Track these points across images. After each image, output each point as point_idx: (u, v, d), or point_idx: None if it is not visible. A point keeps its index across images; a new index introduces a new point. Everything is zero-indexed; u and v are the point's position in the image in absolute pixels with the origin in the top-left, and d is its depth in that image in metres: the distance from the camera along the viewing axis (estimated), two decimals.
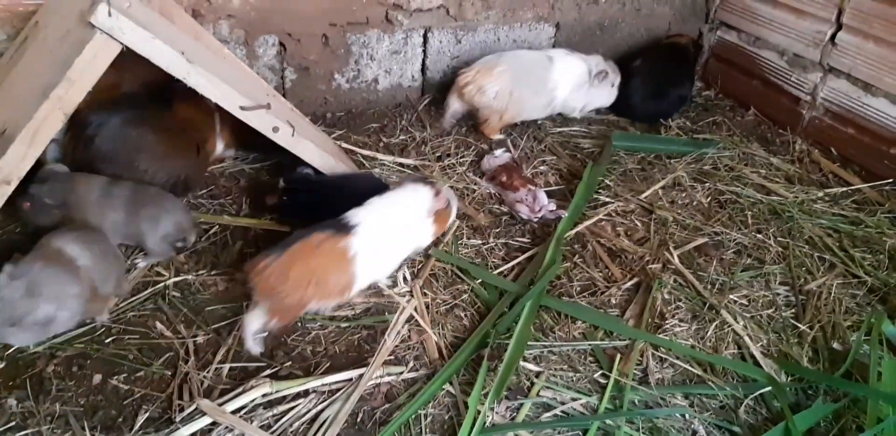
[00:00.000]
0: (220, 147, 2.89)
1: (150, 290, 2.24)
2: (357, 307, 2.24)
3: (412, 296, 2.28)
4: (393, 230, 2.19)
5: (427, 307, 2.25)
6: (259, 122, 2.40)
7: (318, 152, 2.56)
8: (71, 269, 1.96)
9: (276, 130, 2.43)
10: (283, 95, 3.22)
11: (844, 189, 3.03)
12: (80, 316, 2.00)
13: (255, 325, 1.99)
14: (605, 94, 3.49)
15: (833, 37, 3.32)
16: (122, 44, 2.08)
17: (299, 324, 2.17)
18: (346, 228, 2.07)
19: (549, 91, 3.31)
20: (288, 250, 1.97)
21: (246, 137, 2.71)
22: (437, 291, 2.34)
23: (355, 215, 2.12)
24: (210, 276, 2.32)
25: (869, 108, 3.20)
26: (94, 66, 2.10)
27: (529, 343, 2.13)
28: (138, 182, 2.41)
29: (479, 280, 2.40)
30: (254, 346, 2.01)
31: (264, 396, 1.88)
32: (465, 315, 2.26)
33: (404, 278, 2.36)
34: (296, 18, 3.10)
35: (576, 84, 3.36)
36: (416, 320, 2.19)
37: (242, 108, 2.35)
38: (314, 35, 3.19)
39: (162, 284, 2.26)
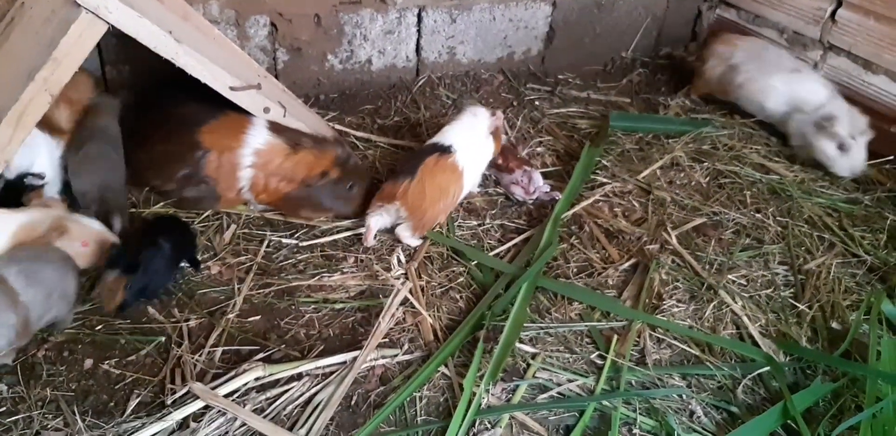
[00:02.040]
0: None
1: None
2: (351, 290, 2.22)
3: (407, 278, 2.26)
4: (475, 146, 2.57)
5: (422, 290, 2.23)
6: (250, 102, 2.37)
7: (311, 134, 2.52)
8: (10, 300, 1.77)
9: (266, 110, 2.40)
10: (276, 77, 3.17)
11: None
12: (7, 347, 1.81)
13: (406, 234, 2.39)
14: None
15: (833, 14, 3.28)
16: (108, 23, 2.04)
17: (292, 307, 2.15)
18: (446, 149, 2.45)
19: None
20: (417, 173, 2.34)
21: None
22: (433, 274, 2.31)
23: (444, 139, 2.51)
24: (202, 259, 2.29)
25: (869, 85, 3.16)
26: (80, 46, 2.06)
27: (525, 325, 2.11)
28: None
29: (475, 262, 2.37)
30: (417, 241, 2.42)
31: (257, 379, 1.86)
32: (461, 297, 2.24)
33: (399, 261, 2.33)
34: None
35: None
36: (411, 303, 2.17)
37: (233, 88, 2.31)
38: (306, 15, 3.14)
39: None
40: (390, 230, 2.43)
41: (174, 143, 2.41)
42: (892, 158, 3.04)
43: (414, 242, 2.42)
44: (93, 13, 2.00)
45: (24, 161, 2.26)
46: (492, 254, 2.43)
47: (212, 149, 2.37)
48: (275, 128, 2.43)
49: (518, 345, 2.05)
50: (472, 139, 2.56)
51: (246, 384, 1.84)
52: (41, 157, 2.32)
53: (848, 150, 2.88)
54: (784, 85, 3.09)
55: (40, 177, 2.28)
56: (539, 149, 3.08)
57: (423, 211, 2.35)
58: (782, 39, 3.54)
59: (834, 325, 2.20)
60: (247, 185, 2.42)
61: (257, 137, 2.38)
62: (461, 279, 2.30)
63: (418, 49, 3.51)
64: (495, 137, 2.67)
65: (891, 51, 3.07)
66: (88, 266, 2.09)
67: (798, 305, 2.27)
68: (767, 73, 3.15)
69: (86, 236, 2.06)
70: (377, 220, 2.37)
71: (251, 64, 2.79)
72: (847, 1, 3.20)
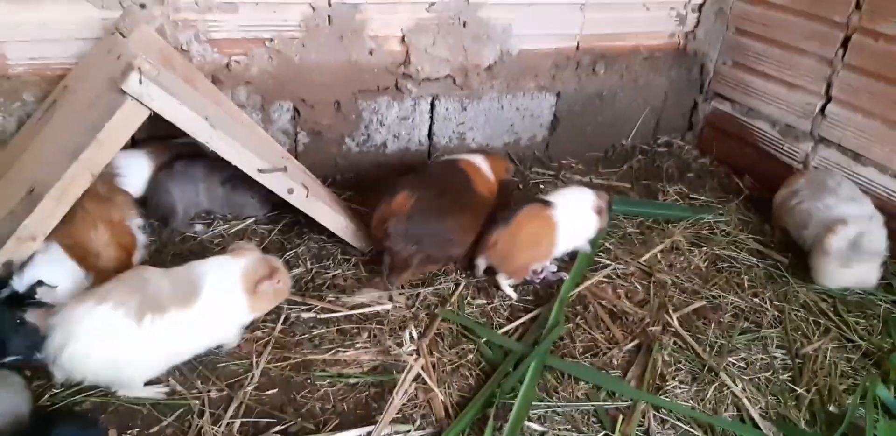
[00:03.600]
0: None
1: None
2: (365, 365, 2.30)
3: (419, 354, 2.34)
4: (576, 211, 2.77)
5: (433, 366, 2.30)
6: (275, 184, 2.52)
7: (331, 213, 2.66)
8: None
9: (291, 191, 2.54)
10: (296, 158, 3.36)
11: None
12: None
13: (503, 282, 2.68)
14: None
15: (823, 108, 3.48)
16: (150, 109, 2.21)
17: (308, 381, 2.21)
18: (546, 203, 2.70)
19: None
20: (512, 221, 2.58)
21: None
22: (443, 351, 2.39)
23: (548, 197, 2.77)
24: None
25: (859, 176, 3.33)
26: (123, 130, 2.23)
27: (533, 403, 2.17)
28: None
29: (484, 339, 2.46)
30: (512, 293, 2.71)
31: None
32: (471, 374, 2.31)
33: (411, 337, 2.42)
34: (310, 86, 3.27)
35: None
36: (423, 379, 2.24)
37: (260, 170, 2.47)
38: (327, 101, 3.35)
39: None
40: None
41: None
42: None
43: (508, 290, 2.70)
44: (137, 100, 2.17)
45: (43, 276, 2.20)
46: (500, 332, 2.52)
47: None
48: None
49: (527, 423, 2.10)
50: (574, 203, 2.78)
51: None
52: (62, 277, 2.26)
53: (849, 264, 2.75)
54: (828, 209, 2.90)
55: (51, 287, 2.19)
56: None
57: (512, 260, 2.61)
58: (775, 131, 3.75)
59: (832, 408, 2.26)
60: None
61: None
62: (471, 356, 2.38)
63: (430, 134, 3.71)
64: (600, 215, 2.84)
65: (878, 145, 3.25)
66: (280, 301, 2.35)
67: (796, 388, 2.34)
68: (818, 197, 2.98)
69: (281, 275, 2.26)
70: (481, 262, 2.68)
71: (275, 147, 2.98)
72: (836, 97, 3.42)
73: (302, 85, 3.26)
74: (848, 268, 2.75)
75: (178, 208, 2.89)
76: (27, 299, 2.14)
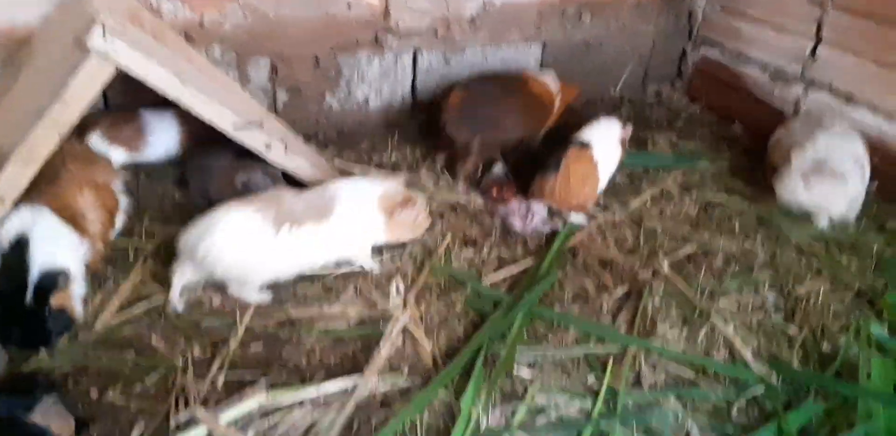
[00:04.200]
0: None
1: (143, 305, 2.25)
2: (351, 319, 2.27)
3: (406, 307, 2.31)
4: (608, 147, 2.85)
5: (421, 318, 2.27)
6: (252, 139, 2.45)
7: (311, 168, 2.61)
8: None
9: (268, 147, 2.48)
10: (276, 116, 3.28)
11: None
12: None
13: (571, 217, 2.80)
14: None
15: (813, 51, 3.40)
16: (115, 65, 2.13)
17: (294, 336, 2.18)
18: (585, 144, 2.79)
19: None
20: (561, 167, 2.71)
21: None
22: (432, 302, 2.36)
23: (583, 136, 2.84)
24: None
25: (851, 118, 3.26)
26: (88, 88, 2.15)
27: (523, 351, 2.15)
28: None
29: (473, 290, 2.42)
30: (582, 219, 2.82)
31: (260, 406, 1.88)
32: (459, 325, 2.28)
33: (397, 290, 2.38)
34: (287, 42, 3.17)
35: None
36: (410, 331, 2.21)
37: (236, 126, 2.40)
38: (305, 57, 3.26)
39: (155, 300, 2.28)
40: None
41: None
42: (875, 186, 3.12)
43: (579, 219, 2.81)
44: (102, 56, 2.10)
45: (46, 258, 2.07)
46: (489, 283, 2.48)
47: None
48: None
49: (516, 370, 2.08)
50: (605, 140, 2.87)
51: (249, 411, 1.87)
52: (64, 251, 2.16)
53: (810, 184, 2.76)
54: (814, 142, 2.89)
55: (66, 274, 2.08)
56: None
57: (570, 201, 2.76)
58: (765, 76, 3.67)
59: (824, 347, 2.24)
60: None
61: None
62: (459, 307, 2.35)
63: (413, 88, 3.63)
64: (623, 146, 2.95)
65: (869, 85, 3.18)
66: (417, 236, 2.56)
67: (789, 328, 2.32)
68: (809, 133, 2.96)
69: (420, 210, 2.48)
70: (539, 207, 2.79)
71: (252, 103, 2.90)
72: (826, 38, 3.34)
73: (278, 41, 3.16)
74: (808, 185, 2.76)
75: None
76: (50, 291, 2.03)
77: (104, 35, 2.07)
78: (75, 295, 2.13)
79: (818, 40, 3.37)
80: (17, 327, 1.99)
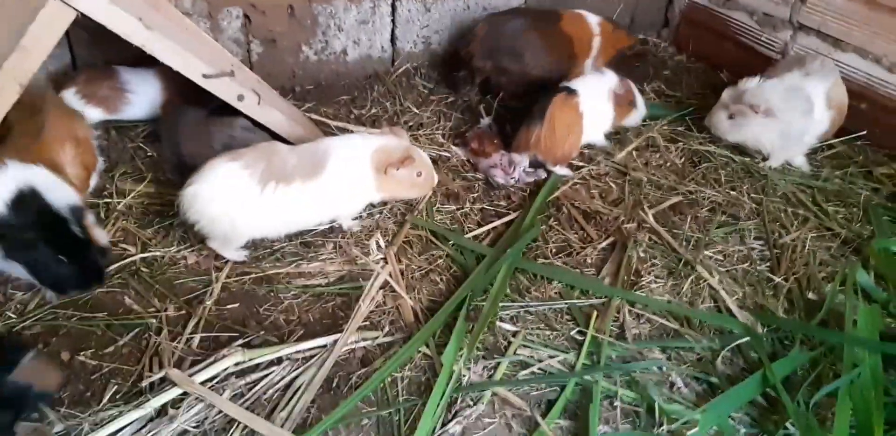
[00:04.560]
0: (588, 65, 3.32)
1: (117, 265, 2.19)
2: (331, 276, 2.22)
3: (387, 262, 2.26)
4: (596, 100, 2.77)
5: (402, 273, 2.23)
6: (223, 90, 2.35)
7: (287, 121, 2.51)
8: None
9: (241, 98, 2.38)
10: (250, 69, 3.15)
11: (818, 145, 3.02)
12: None
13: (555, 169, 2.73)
14: None
15: None
16: (76, 10, 2.01)
17: (272, 294, 2.14)
18: (572, 91, 2.72)
19: None
20: (545, 117, 2.65)
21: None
22: (413, 258, 2.31)
23: (572, 84, 2.76)
24: (179, 251, 2.27)
25: (839, 63, 3.18)
26: (49, 34, 2.04)
27: (506, 304, 2.12)
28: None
29: (455, 245, 2.37)
30: (567, 171, 2.77)
31: (237, 364, 1.85)
32: (441, 280, 2.24)
33: (378, 246, 2.33)
34: None
35: None
36: (391, 286, 2.16)
37: (205, 75, 2.29)
38: (279, 6, 3.12)
39: (129, 259, 2.21)
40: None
41: None
42: (864, 133, 3.07)
43: (563, 171, 2.75)
44: (61, 0, 1.98)
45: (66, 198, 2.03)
46: (471, 237, 2.43)
47: None
48: None
49: (499, 324, 2.05)
50: (594, 91, 2.79)
51: (225, 370, 1.83)
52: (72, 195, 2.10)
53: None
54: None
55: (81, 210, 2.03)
56: None
57: (555, 152, 2.70)
58: (753, 21, 3.57)
59: (810, 296, 2.22)
60: None
61: None
62: (441, 262, 2.30)
63: (393, 39, 3.50)
64: (618, 105, 2.85)
65: (859, 28, 3.10)
66: (419, 195, 2.48)
67: (774, 277, 2.30)
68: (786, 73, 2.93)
69: (422, 168, 2.33)
70: (521, 159, 2.71)
71: (224, 53, 2.78)
72: None
73: None
74: (730, 120, 2.84)
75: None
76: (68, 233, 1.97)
77: None
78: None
79: None
80: (72, 266, 1.93)
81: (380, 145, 2.27)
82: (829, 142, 3.04)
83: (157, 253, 2.26)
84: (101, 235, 2.07)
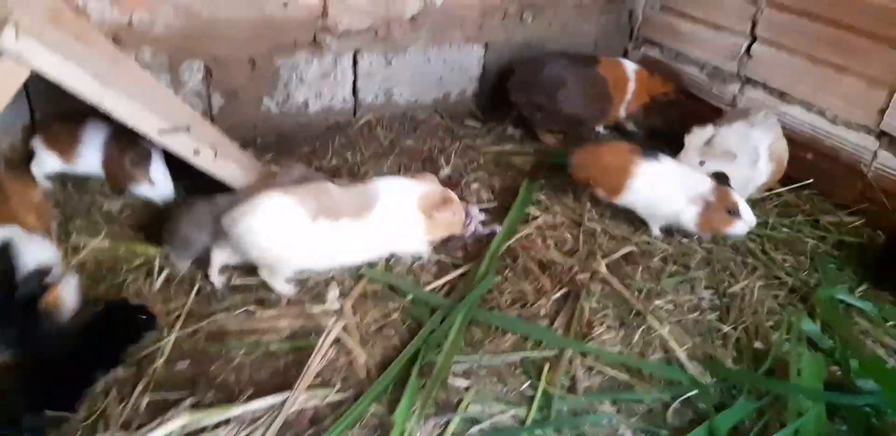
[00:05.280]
0: (622, 113, 3.58)
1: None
2: (283, 331, 2.21)
3: (341, 316, 2.26)
4: (667, 184, 2.68)
5: (356, 327, 2.23)
6: (179, 145, 2.38)
7: (243, 175, 2.54)
8: None
9: (196, 152, 2.41)
10: (211, 121, 3.19)
11: (767, 194, 3.12)
12: None
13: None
14: None
15: (748, 49, 3.45)
16: (30, 67, 2.04)
17: (223, 351, 2.12)
18: (651, 155, 2.72)
19: None
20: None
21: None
22: (367, 311, 2.32)
23: (655, 157, 2.73)
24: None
25: (785, 115, 3.32)
26: (2, 91, 2.06)
27: (459, 358, 2.12)
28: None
29: (411, 297, 2.39)
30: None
31: (184, 427, 1.82)
32: (396, 333, 2.24)
33: (333, 299, 2.33)
34: (222, 43, 3.09)
35: None
36: (344, 342, 2.16)
37: (161, 131, 2.32)
38: (241, 59, 3.19)
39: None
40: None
41: None
42: (810, 182, 3.18)
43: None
44: (14, 58, 2.01)
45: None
46: (428, 288, 2.45)
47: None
48: None
49: (451, 379, 2.05)
50: (670, 179, 2.69)
51: (171, 433, 1.80)
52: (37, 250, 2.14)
53: None
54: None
55: (47, 272, 2.04)
56: (475, 185, 3.13)
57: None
58: (703, 75, 3.71)
59: (757, 345, 2.26)
60: None
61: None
62: (396, 315, 2.31)
63: (355, 91, 3.57)
64: (709, 209, 2.60)
65: (803, 82, 3.24)
66: (457, 233, 2.57)
67: (723, 327, 2.34)
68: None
69: (456, 208, 2.47)
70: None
71: (183, 107, 2.81)
72: (761, 36, 3.39)
73: (212, 42, 3.08)
74: (696, 157, 2.91)
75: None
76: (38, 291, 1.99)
77: (17, 36, 1.98)
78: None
79: (753, 39, 3.42)
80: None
81: (424, 191, 2.42)
82: (777, 191, 3.14)
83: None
84: (69, 297, 2.07)
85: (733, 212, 2.56)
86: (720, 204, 2.57)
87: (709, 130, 2.92)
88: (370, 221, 2.30)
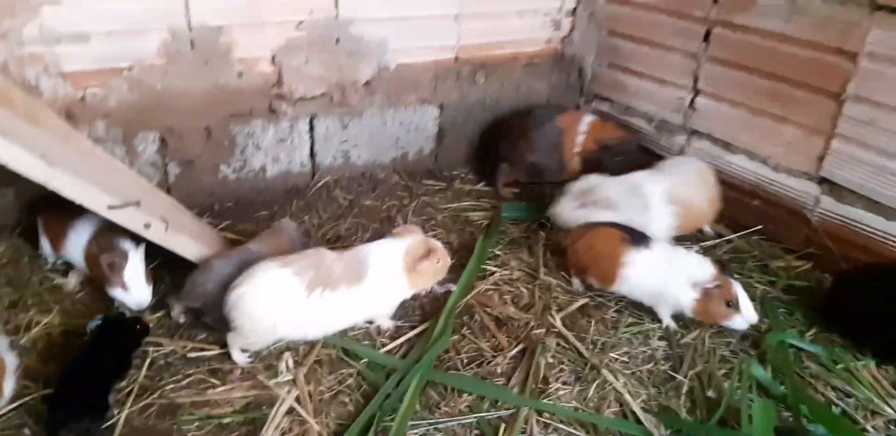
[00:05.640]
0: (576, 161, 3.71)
1: (14, 404, 2.12)
2: (236, 403, 2.19)
3: (294, 385, 2.24)
4: (656, 271, 2.55)
5: (310, 395, 2.21)
6: (129, 220, 2.39)
7: (195, 245, 2.55)
8: None
9: (147, 226, 2.42)
10: (168, 190, 3.22)
11: (717, 241, 3.19)
12: None
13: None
14: None
15: (692, 102, 3.58)
16: None
17: (175, 426, 2.09)
18: (642, 241, 2.63)
19: None
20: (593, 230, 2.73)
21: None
22: (322, 378, 2.30)
23: (652, 242, 2.63)
24: None
25: (731, 164, 3.43)
26: None
27: (415, 423, 2.11)
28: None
29: (366, 361, 2.38)
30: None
31: None
32: (351, 400, 2.23)
33: (287, 368, 2.32)
34: (176, 114, 3.15)
35: None
36: (298, 411, 2.14)
37: (111, 207, 2.34)
38: (196, 129, 3.24)
39: (29, 397, 2.15)
40: None
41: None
42: (759, 228, 3.26)
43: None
44: None
45: None
46: (384, 351, 2.45)
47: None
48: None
49: None
50: (660, 267, 2.55)
51: None
52: None
53: None
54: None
55: None
56: None
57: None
58: (651, 127, 3.84)
59: (710, 394, 2.28)
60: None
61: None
62: (351, 381, 2.30)
63: (313, 154, 3.63)
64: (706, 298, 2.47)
65: (745, 132, 3.36)
66: (440, 279, 2.60)
67: (677, 376, 2.35)
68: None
69: (441, 256, 2.52)
70: None
71: (136, 180, 2.84)
72: (703, 90, 3.53)
73: (167, 114, 3.13)
74: (575, 208, 2.99)
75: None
76: None
77: None
78: None
79: (696, 92, 3.56)
80: None
81: (407, 246, 2.46)
82: (728, 238, 3.21)
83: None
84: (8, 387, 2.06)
85: (732, 305, 2.43)
86: (720, 294, 2.44)
87: (592, 179, 3.06)
88: (364, 287, 2.36)
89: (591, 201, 2.98)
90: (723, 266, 2.53)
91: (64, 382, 2.06)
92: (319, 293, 2.27)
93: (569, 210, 3.03)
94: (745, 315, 2.44)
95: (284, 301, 2.24)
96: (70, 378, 2.08)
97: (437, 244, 2.54)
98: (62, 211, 2.63)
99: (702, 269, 2.48)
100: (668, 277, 2.51)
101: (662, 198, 2.97)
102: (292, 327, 2.31)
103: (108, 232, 2.54)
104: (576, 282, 2.85)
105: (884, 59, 2.73)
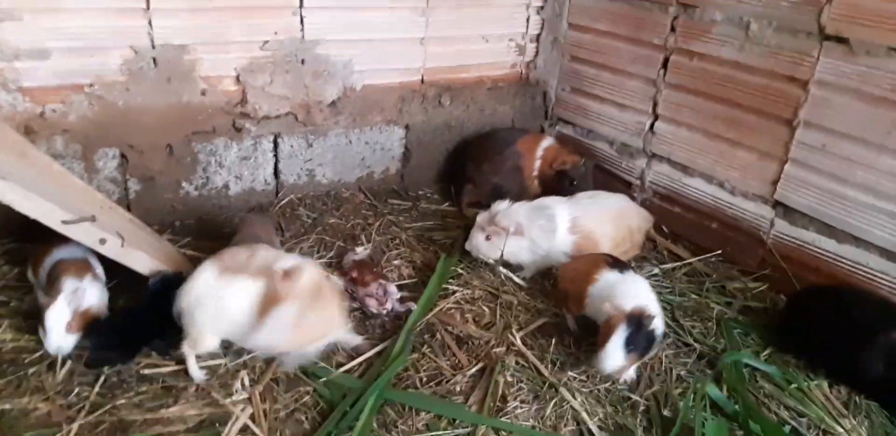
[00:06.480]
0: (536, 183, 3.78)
1: None
2: (190, 421, 2.14)
3: (250, 403, 2.21)
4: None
5: (265, 414, 2.18)
6: (84, 235, 2.35)
7: (151, 262, 2.52)
8: None
9: (103, 242, 2.39)
10: (128, 206, 3.18)
11: (677, 264, 3.24)
12: None
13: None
14: None
15: (652, 126, 3.66)
16: None
17: None
18: (621, 267, 2.65)
19: None
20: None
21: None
22: (278, 396, 2.27)
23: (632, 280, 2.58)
24: (30, 402, 2.16)
25: (689, 187, 3.50)
26: None
27: None
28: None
29: (323, 380, 2.36)
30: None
31: None
32: (307, 418, 2.20)
33: (242, 385, 2.29)
34: (138, 131, 3.13)
35: None
36: (253, 430, 2.11)
37: (65, 222, 2.30)
38: (158, 146, 3.21)
39: None
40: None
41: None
42: (719, 252, 3.32)
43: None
44: None
45: None
46: (342, 370, 2.42)
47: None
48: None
49: None
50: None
51: None
52: None
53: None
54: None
55: None
56: (396, 262, 3.17)
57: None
58: (612, 150, 3.91)
59: (666, 412, 2.29)
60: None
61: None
62: (307, 399, 2.27)
63: (276, 172, 3.62)
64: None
65: (702, 156, 3.44)
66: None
67: (633, 396, 2.37)
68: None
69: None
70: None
71: (94, 196, 2.80)
72: (662, 114, 3.61)
73: (128, 130, 3.11)
74: (482, 234, 3.00)
75: None
76: None
77: None
78: None
79: (655, 117, 3.64)
80: None
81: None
82: (688, 260, 3.27)
83: (6, 406, 2.14)
84: None
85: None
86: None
87: (496, 206, 3.05)
88: None
89: (493, 230, 2.97)
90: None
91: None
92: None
93: (484, 241, 3.00)
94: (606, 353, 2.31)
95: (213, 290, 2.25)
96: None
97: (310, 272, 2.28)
98: (46, 241, 2.56)
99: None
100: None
101: (567, 225, 3.02)
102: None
103: (62, 268, 2.45)
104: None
105: (833, 86, 2.83)
